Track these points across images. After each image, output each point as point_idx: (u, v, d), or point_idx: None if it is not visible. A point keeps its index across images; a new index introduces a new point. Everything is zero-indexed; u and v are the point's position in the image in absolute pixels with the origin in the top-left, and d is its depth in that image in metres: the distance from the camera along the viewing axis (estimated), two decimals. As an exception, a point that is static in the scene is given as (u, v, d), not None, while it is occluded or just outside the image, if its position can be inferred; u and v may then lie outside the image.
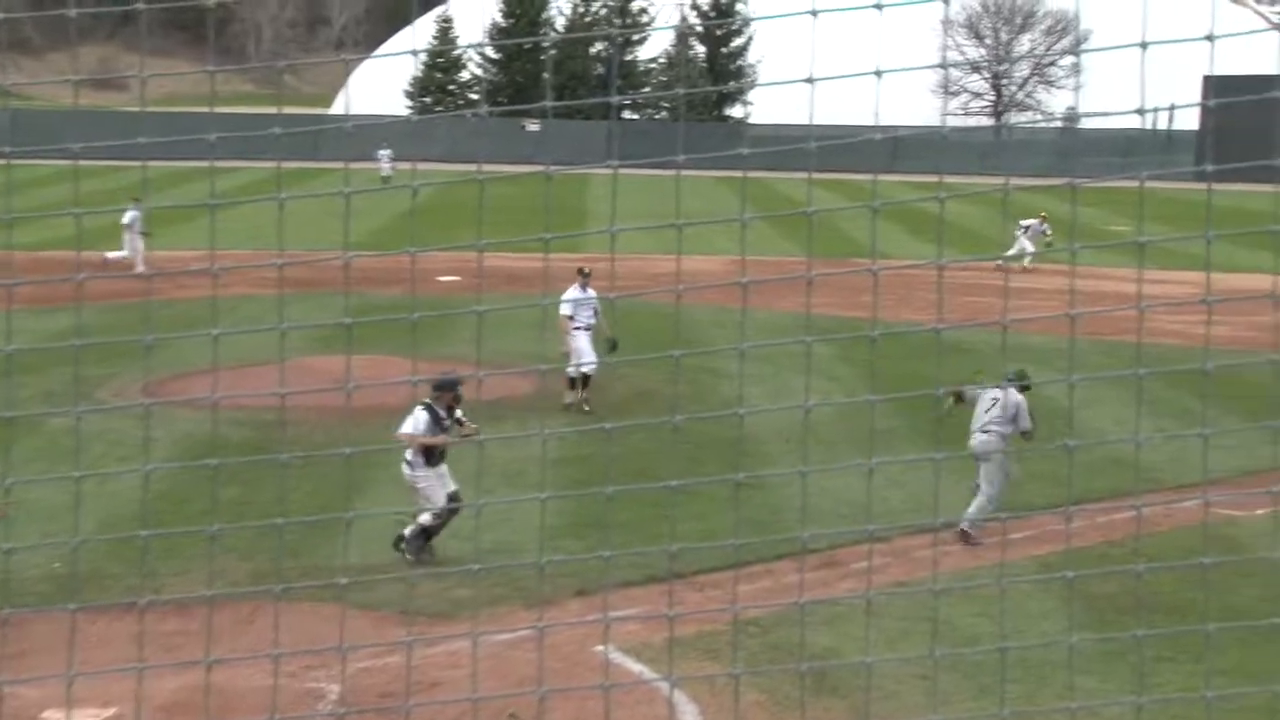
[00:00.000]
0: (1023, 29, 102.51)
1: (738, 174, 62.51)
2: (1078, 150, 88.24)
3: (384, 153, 67.89)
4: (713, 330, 29.07)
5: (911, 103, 48.92)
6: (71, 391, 22.39)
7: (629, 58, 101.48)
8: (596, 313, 23.44)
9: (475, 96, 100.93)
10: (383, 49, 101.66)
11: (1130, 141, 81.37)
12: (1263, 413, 19.19)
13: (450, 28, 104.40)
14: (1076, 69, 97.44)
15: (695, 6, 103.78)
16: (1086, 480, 17.95)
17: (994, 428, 17.02)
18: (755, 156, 51.74)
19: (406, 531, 16.00)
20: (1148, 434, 18.39)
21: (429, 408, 16.14)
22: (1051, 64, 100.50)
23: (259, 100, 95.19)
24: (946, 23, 73.08)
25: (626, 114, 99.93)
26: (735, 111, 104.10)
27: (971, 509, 16.75)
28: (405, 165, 66.80)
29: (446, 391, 16.26)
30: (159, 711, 11.78)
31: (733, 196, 58.17)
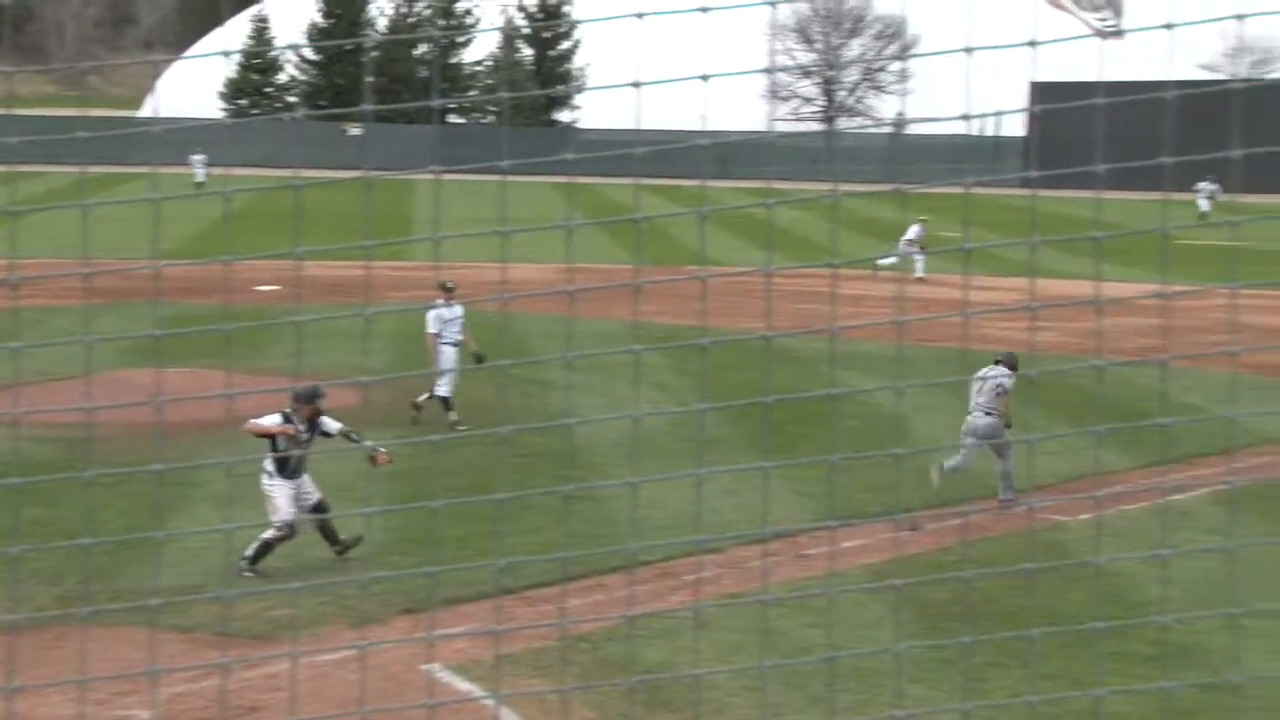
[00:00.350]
0: (852, 34, 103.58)
1: (566, 179, 62.39)
2: (906, 156, 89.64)
3: (198, 157, 65.80)
4: (543, 340, 28.77)
5: (741, 108, 49.14)
6: None
7: (454, 60, 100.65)
8: (463, 328, 22.77)
9: (294, 99, 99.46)
10: (194, 49, 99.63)
11: (957, 149, 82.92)
12: (1087, 418, 19.45)
13: (266, 28, 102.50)
14: (905, 75, 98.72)
15: (522, 8, 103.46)
16: (918, 488, 18.01)
17: (991, 408, 18.25)
18: (583, 162, 51.58)
19: (249, 549, 15.45)
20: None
21: (286, 417, 15.61)
22: (881, 69, 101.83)
23: (63, 102, 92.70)
24: (775, 27, 73.65)
25: (452, 118, 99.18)
26: (564, 116, 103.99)
27: (1000, 485, 18.04)
28: (220, 170, 65.50)
29: (305, 404, 15.70)
30: (-45, 746, 11.16)
31: (563, 202, 58.00)
